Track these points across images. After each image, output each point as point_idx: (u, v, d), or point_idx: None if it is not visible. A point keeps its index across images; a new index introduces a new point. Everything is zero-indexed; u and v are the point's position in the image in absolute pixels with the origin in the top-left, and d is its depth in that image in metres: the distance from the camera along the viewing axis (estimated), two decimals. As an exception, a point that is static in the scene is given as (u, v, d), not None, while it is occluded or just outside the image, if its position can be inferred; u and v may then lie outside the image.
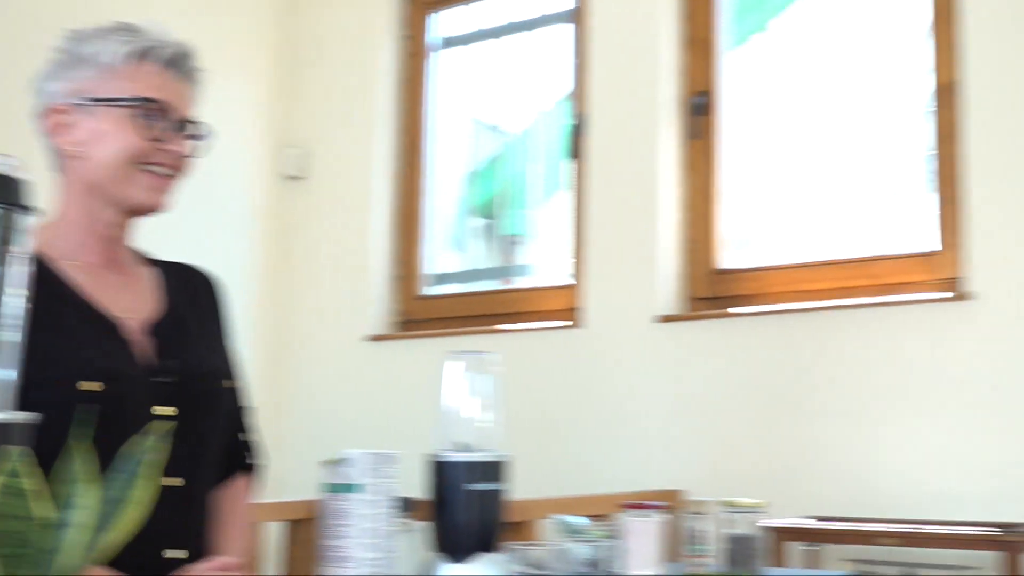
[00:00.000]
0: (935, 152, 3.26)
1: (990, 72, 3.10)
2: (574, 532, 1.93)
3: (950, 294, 3.12)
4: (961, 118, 3.14)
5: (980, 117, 3.10)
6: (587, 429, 3.62)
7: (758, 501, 2.03)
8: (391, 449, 1.83)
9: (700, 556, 2.00)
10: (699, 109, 3.67)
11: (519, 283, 4.16)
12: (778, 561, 2.80)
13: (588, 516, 1.99)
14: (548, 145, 4.15)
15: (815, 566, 2.93)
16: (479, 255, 4.49)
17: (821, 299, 3.34)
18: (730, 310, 3.49)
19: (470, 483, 1.69)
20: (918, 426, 3.08)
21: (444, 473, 1.70)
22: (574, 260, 3.81)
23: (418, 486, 1.75)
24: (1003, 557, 2.62)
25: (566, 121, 3.98)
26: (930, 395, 3.07)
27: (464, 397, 1.76)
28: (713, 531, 2.01)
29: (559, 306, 3.85)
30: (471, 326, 4.00)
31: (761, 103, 3.68)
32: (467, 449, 1.72)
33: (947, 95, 3.22)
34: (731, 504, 2.01)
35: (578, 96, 3.91)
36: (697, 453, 3.39)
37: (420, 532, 1.74)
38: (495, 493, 1.71)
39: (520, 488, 2.77)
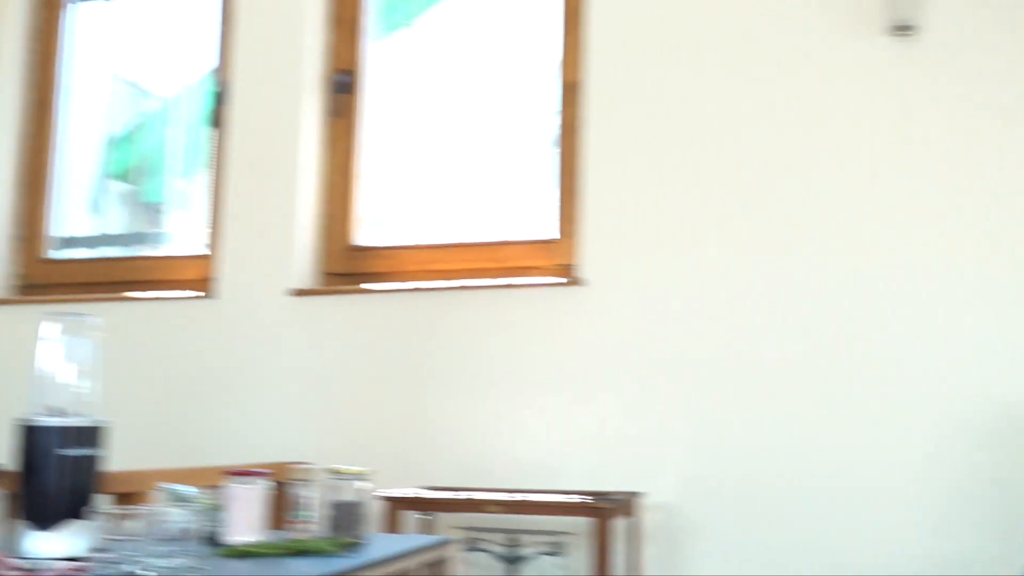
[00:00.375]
0: (559, 148, 3.49)
1: (609, 74, 3.35)
2: (181, 501, 1.93)
3: (564, 280, 3.34)
4: (582, 116, 3.38)
5: (598, 116, 3.34)
6: (218, 400, 3.59)
7: (363, 469, 2.11)
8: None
9: (304, 522, 2.06)
10: (341, 88, 3.72)
11: (153, 251, 4.04)
12: (393, 529, 2.91)
13: (200, 486, 1.99)
14: (194, 113, 4.06)
15: (428, 533, 3.07)
16: (118, 221, 4.31)
17: (449, 279, 3.49)
18: (362, 286, 3.57)
19: (62, 448, 1.65)
20: (528, 402, 3.28)
21: (34, 438, 1.65)
22: (210, 230, 3.76)
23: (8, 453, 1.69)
24: (595, 523, 2.85)
25: (211, 89, 3.91)
26: (541, 373, 3.28)
27: (60, 361, 1.72)
28: (318, 498, 2.07)
29: (193, 276, 3.79)
30: (100, 292, 3.85)
31: (404, 91, 3.78)
32: (61, 414, 1.68)
33: (571, 94, 3.45)
34: (336, 472, 2.08)
35: (222, 65, 3.85)
36: (326, 425, 3.45)
37: (5, 500, 1.69)
38: (88, 459, 1.68)
39: (145, 458, 2.73)
